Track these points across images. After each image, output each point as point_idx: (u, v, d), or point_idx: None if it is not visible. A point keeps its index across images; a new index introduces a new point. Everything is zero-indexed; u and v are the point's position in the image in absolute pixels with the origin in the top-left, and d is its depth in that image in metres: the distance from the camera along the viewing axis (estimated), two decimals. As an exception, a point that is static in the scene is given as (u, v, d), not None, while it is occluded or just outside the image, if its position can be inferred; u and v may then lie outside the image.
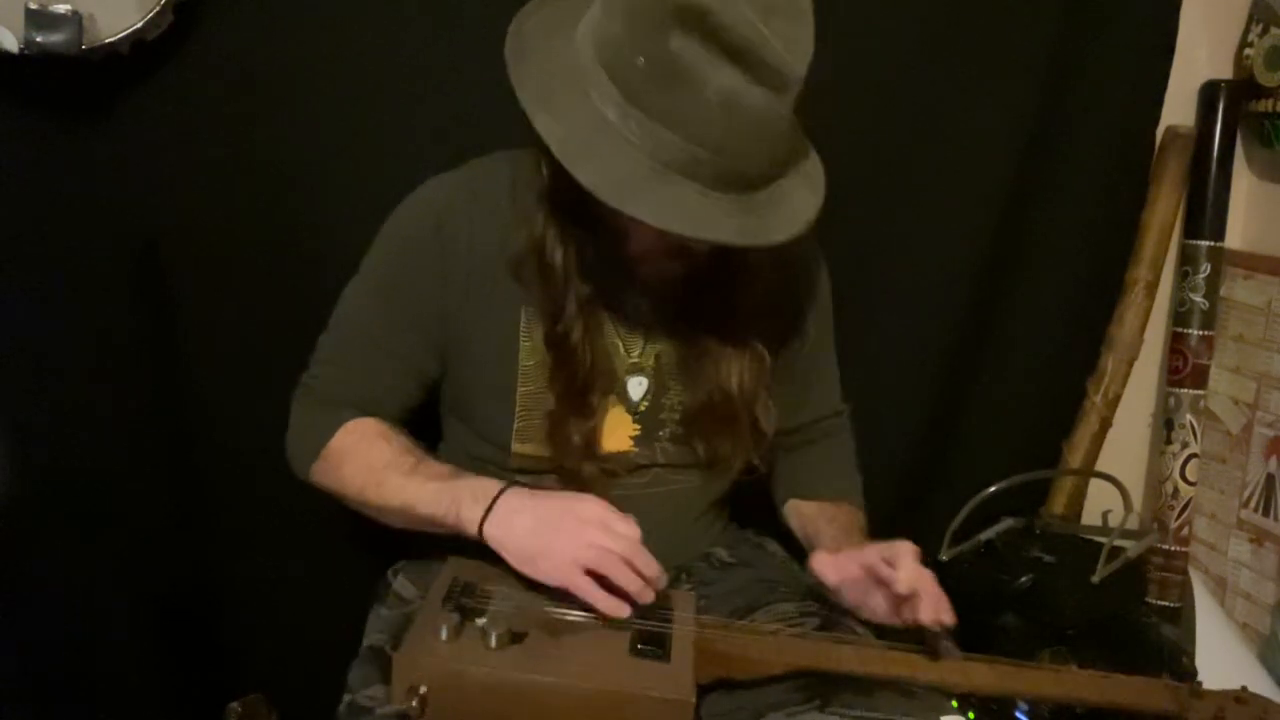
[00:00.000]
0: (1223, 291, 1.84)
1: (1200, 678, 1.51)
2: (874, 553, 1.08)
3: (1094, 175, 1.76)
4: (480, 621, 1.01)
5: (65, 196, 1.38)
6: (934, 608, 1.04)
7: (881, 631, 1.16)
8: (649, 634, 1.04)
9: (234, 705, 1.50)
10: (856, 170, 1.60)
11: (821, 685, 1.05)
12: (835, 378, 1.39)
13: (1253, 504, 1.82)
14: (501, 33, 1.04)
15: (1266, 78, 1.72)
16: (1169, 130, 1.80)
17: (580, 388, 1.14)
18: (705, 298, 1.15)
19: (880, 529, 1.75)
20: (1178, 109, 1.80)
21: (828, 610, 1.19)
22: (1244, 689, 1.09)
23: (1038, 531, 1.70)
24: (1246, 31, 1.78)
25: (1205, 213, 1.80)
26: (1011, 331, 1.79)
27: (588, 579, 1.01)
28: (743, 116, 0.95)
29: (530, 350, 1.17)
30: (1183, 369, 1.83)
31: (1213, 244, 1.81)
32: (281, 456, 1.23)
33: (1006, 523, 1.73)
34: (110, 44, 1.27)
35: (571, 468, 1.16)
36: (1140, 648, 1.55)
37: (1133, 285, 1.81)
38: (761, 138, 0.98)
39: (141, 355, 1.46)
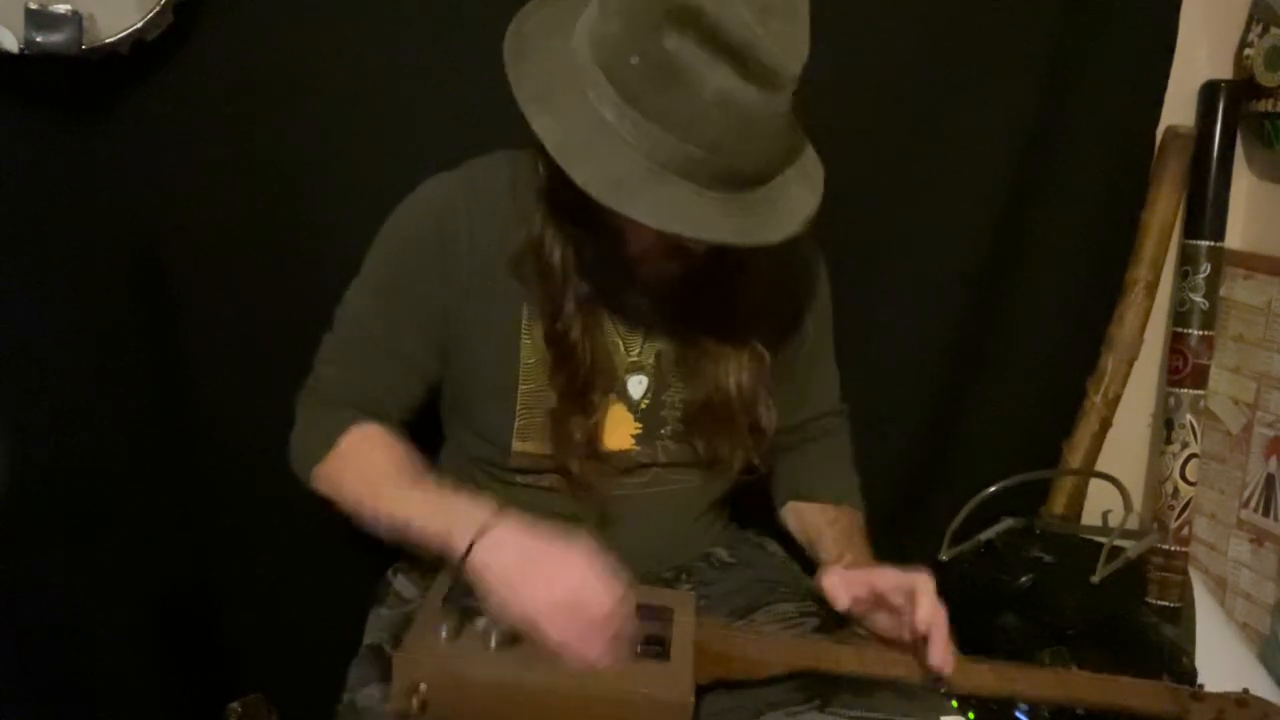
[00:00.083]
0: (1223, 291, 1.84)
1: (1200, 678, 1.51)
2: (890, 580, 1.08)
3: (1094, 175, 1.76)
4: (480, 622, 1.01)
5: (65, 196, 1.38)
6: (941, 654, 1.04)
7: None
8: (649, 634, 1.04)
9: (234, 705, 1.50)
10: (856, 170, 1.59)
11: (821, 685, 1.05)
12: (834, 376, 1.39)
13: (1253, 504, 1.82)
14: (501, 32, 1.04)
15: (1266, 78, 1.72)
16: (1169, 130, 1.80)
17: (581, 386, 1.14)
18: (704, 297, 1.15)
19: (880, 529, 1.75)
20: (1178, 109, 1.80)
21: (827, 611, 1.18)
22: (1245, 691, 1.09)
23: (1038, 531, 1.70)
24: (1246, 31, 1.78)
25: (1205, 213, 1.80)
26: (1011, 331, 1.79)
27: (544, 636, 0.96)
28: (738, 116, 0.94)
29: (531, 349, 1.17)
30: (1183, 369, 1.83)
31: (1213, 244, 1.81)
32: (281, 456, 1.23)
33: (1006, 523, 1.73)
34: (110, 44, 1.27)
35: (572, 466, 1.16)
36: (1140, 648, 1.55)
37: (1133, 285, 1.81)
38: (757, 137, 0.98)
39: (141, 355, 1.46)
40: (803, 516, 1.32)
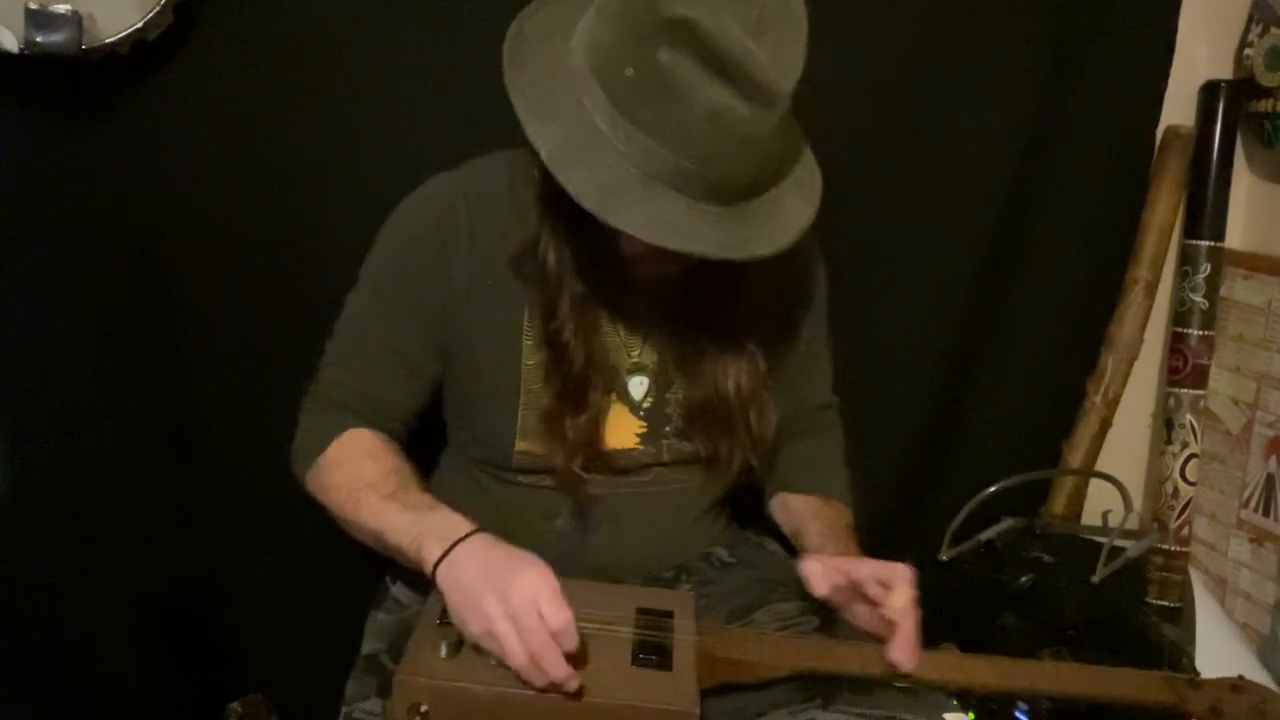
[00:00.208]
0: (1223, 291, 1.84)
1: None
2: (868, 570, 1.07)
3: (1094, 175, 1.76)
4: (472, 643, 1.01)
5: (65, 196, 1.38)
6: (904, 649, 1.03)
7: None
8: (650, 643, 1.03)
9: (234, 705, 1.50)
10: (856, 170, 1.60)
11: (823, 684, 1.05)
12: (828, 370, 1.39)
13: (1253, 504, 1.82)
14: (502, 32, 1.04)
15: (1266, 78, 1.72)
16: (1169, 130, 1.80)
17: (576, 386, 1.14)
18: (704, 300, 1.15)
19: (880, 529, 1.77)
20: (1178, 109, 1.80)
21: (827, 610, 1.18)
22: (1240, 678, 1.09)
23: (1038, 531, 1.70)
24: (1246, 31, 1.78)
25: (1205, 213, 1.80)
26: (1011, 331, 1.79)
27: (500, 651, 0.96)
28: (731, 131, 0.94)
29: (532, 349, 1.16)
30: (1183, 369, 1.83)
31: (1213, 244, 1.81)
32: (281, 457, 1.22)
33: (1006, 523, 1.73)
34: (110, 44, 1.27)
35: (566, 466, 1.16)
36: (1140, 648, 1.55)
37: (1133, 285, 1.81)
38: (750, 152, 0.98)
39: (141, 355, 1.46)
40: (790, 508, 1.32)
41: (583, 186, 0.96)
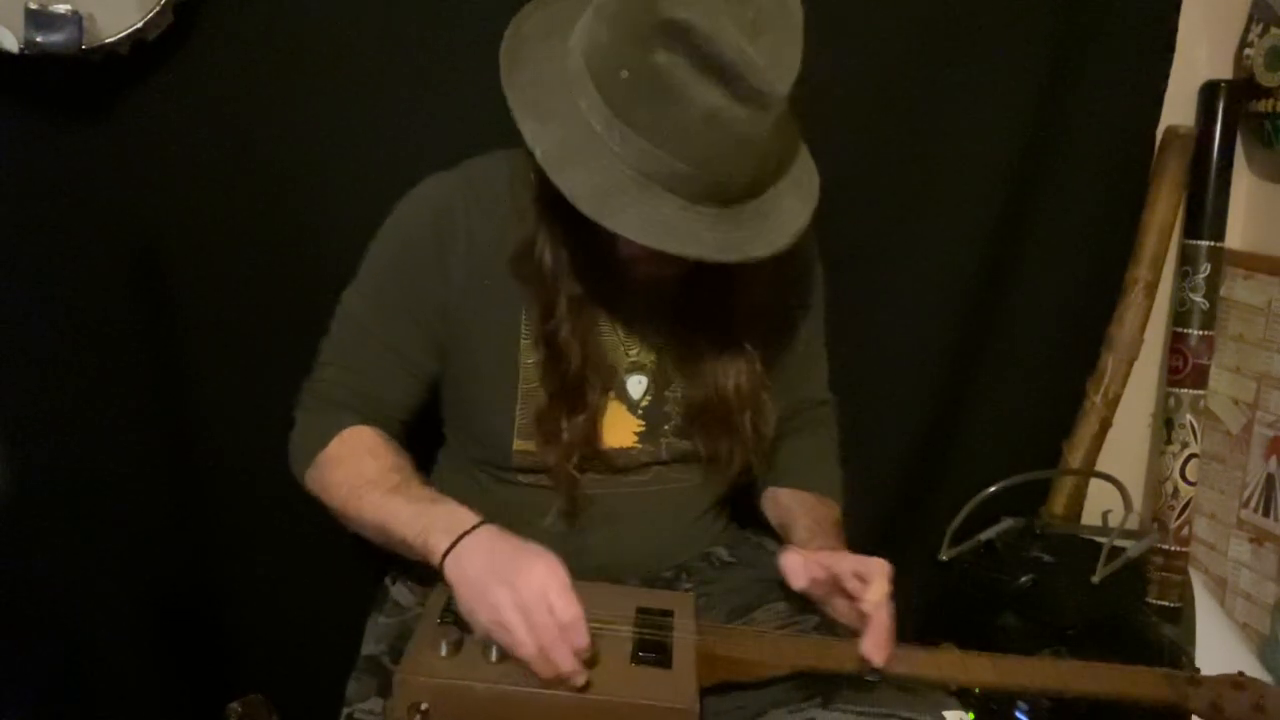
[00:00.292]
0: (1223, 291, 1.84)
1: (1201, 676, 1.52)
2: (846, 564, 1.07)
3: (1094, 175, 1.76)
4: (479, 634, 1.01)
5: (65, 196, 1.38)
6: (876, 643, 1.03)
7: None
8: (650, 641, 1.03)
9: (234, 705, 1.50)
10: (857, 171, 1.60)
11: (822, 682, 1.05)
12: (824, 367, 1.39)
13: (1253, 504, 1.82)
14: (501, 33, 1.04)
15: (1266, 78, 1.72)
16: (1169, 130, 1.80)
17: (571, 385, 1.14)
18: (702, 300, 1.15)
19: (880, 529, 1.77)
20: (1178, 109, 1.80)
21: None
22: (1241, 674, 1.09)
23: (1038, 531, 1.71)
24: (1246, 31, 1.78)
25: (1205, 213, 1.80)
26: (1011, 331, 1.79)
27: (507, 641, 0.96)
28: (726, 134, 0.94)
29: (530, 348, 1.16)
30: (1183, 369, 1.83)
31: (1213, 244, 1.81)
32: (281, 457, 1.22)
33: (1006, 523, 1.73)
34: (110, 44, 1.27)
35: (561, 466, 1.16)
36: (1140, 648, 1.55)
37: (1133, 285, 1.81)
38: (746, 154, 0.98)
39: (141, 355, 1.46)
40: (779, 502, 1.31)
41: (578, 188, 0.96)
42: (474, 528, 1.03)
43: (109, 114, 1.36)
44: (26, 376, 1.42)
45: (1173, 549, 1.83)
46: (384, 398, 1.20)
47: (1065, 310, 1.82)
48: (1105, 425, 1.84)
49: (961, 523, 1.69)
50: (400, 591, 1.26)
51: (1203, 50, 1.81)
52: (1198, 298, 1.81)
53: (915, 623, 1.72)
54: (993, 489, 1.71)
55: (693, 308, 1.16)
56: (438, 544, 1.03)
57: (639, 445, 1.21)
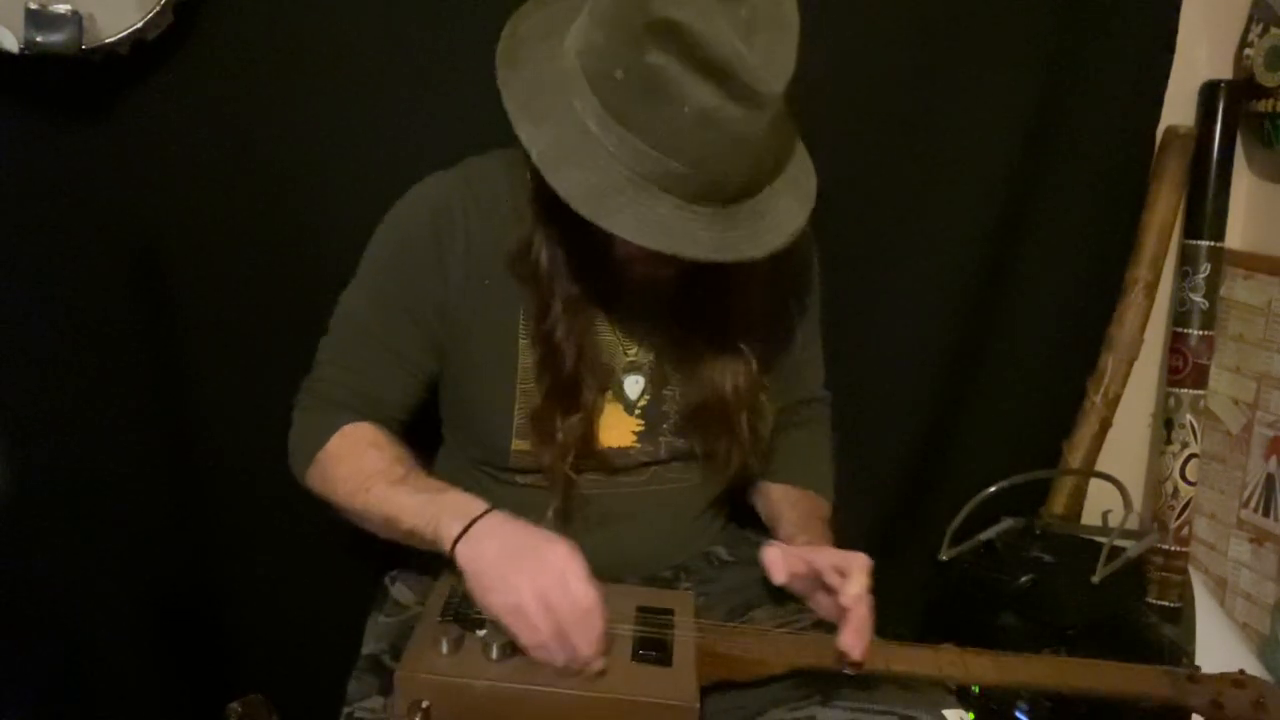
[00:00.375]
0: (1223, 291, 1.84)
1: (1201, 674, 1.52)
2: (827, 558, 1.08)
3: (1094, 175, 1.76)
4: (480, 633, 1.01)
5: (65, 196, 1.38)
6: (854, 636, 1.03)
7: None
8: (650, 639, 1.04)
9: (234, 705, 1.50)
10: (856, 170, 1.60)
11: (822, 680, 1.06)
12: (820, 365, 1.39)
13: (1253, 504, 1.82)
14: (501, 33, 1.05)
15: (1266, 78, 1.73)
16: (1169, 130, 1.80)
17: (566, 385, 1.14)
18: (699, 300, 1.15)
19: (880, 529, 1.77)
20: (1178, 109, 1.80)
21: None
22: (1242, 672, 1.09)
23: (1038, 531, 1.71)
24: (1246, 31, 1.78)
25: (1205, 213, 1.80)
26: (1011, 331, 1.79)
27: (524, 627, 0.97)
28: (721, 133, 0.94)
29: (528, 348, 1.16)
30: (1183, 369, 1.83)
31: (1213, 244, 1.81)
32: (281, 457, 1.23)
33: (1006, 523, 1.73)
34: (110, 44, 1.27)
35: (556, 466, 1.16)
36: (1140, 648, 1.55)
37: (1133, 285, 1.81)
38: (741, 154, 0.98)
39: (141, 356, 1.46)
40: (769, 497, 1.32)
41: (573, 188, 0.96)
42: (484, 513, 1.03)
43: (109, 114, 1.36)
44: (26, 376, 1.42)
45: (1173, 549, 1.83)
46: (383, 397, 1.20)
47: (1065, 310, 1.81)
48: (1105, 425, 1.84)
49: (961, 523, 1.69)
50: (400, 591, 1.26)
51: (1203, 50, 1.81)
52: (1198, 298, 1.81)
53: (915, 623, 1.73)
54: (993, 489, 1.71)
55: (690, 308, 1.16)
56: (448, 531, 1.03)
57: (637, 445, 1.21)
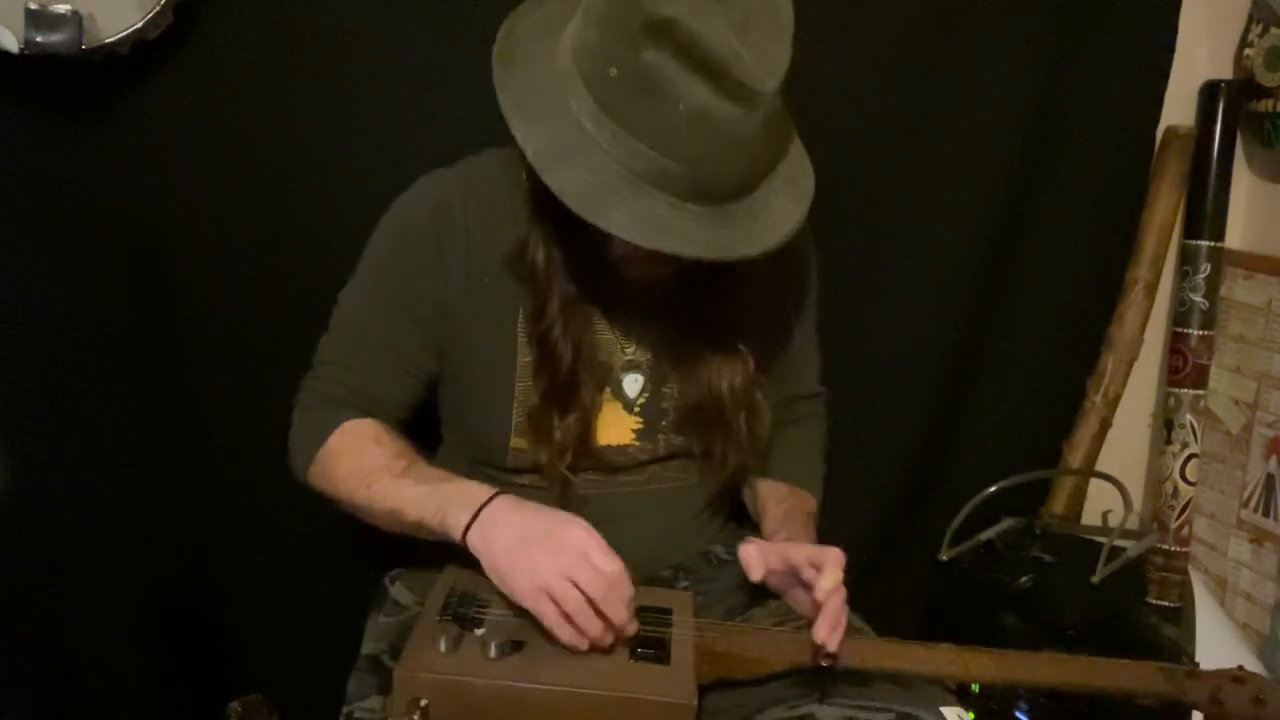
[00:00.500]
0: (1223, 291, 1.84)
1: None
2: (802, 553, 1.08)
3: (1094, 175, 1.76)
4: (479, 631, 1.01)
5: (65, 196, 1.38)
6: (827, 628, 1.03)
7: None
8: (649, 637, 1.04)
9: (234, 705, 1.50)
10: (856, 170, 1.60)
11: (819, 678, 1.06)
12: (816, 363, 1.39)
13: (1253, 504, 1.82)
14: (504, 32, 1.05)
15: (1266, 78, 1.72)
16: (1169, 130, 1.80)
17: (563, 384, 1.14)
18: (697, 299, 1.15)
19: (880, 529, 1.77)
20: (1178, 109, 1.80)
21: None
22: (1240, 668, 1.09)
23: (1038, 531, 1.71)
24: (1246, 31, 1.78)
25: (1205, 213, 1.80)
26: (1011, 331, 1.79)
27: (552, 607, 0.98)
28: (715, 131, 0.94)
29: (526, 346, 1.16)
30: (1183, 369, 1.83)
31: (1213, 244, 1.81)
32: (281, 457, 1.23)
33: (1006, 523, 1.73)
34: (110, 44, 1.27)
35: (553, 464, 1.16)
36: (1140, 648, 1.55)
37: (1133, 285, 1.81)
38: (735, 153, 0.98)
39: (141, 355, 1.46)
40: (756, 492, 1.32)
41: (568, 187, 0.96)
42: (491, 499, 1.04)
43: (109, 114, 1.37)
44: (26, 376, 1.42)
45: (1173, 549, 1.83)
46: (383, 396, 1.20)
47: (1065, 310, 1.82)
48: (1105, 425, 1.84)
49: (961, 523, 1.69)
50: (400, 590, 1.26)
51: (1203, 50, 1.81)
52: (1198, 298, 1.81)
53: (915, 623, 1.73)
54: (993, 489, 1.71)
55: (687, 307, 1.16)
56: (457, 520, 1.04)
57: (636, 443, 1.21)
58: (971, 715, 1.40)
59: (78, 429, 1.45)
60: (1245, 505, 1.84)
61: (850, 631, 1.06)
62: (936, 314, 1.74)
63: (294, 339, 1.28)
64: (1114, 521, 1.73)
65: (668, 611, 1.09)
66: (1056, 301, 1.80)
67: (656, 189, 0.97)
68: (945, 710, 1.04)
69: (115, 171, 1.38)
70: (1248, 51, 1.76)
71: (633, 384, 1.20)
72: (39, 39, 1.23)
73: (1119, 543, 1.61)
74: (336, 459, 1.16)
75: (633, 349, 1.20)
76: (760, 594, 1.21)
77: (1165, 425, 1.86)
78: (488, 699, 0.96)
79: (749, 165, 1.01)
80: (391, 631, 1.19)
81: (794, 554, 1.09)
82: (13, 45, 1.23)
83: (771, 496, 1.29)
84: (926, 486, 1.80)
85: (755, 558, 1.10)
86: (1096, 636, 1.53)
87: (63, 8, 1.23)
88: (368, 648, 1.20)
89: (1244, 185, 1.86)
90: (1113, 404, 1.83)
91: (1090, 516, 1.87)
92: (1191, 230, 1.82)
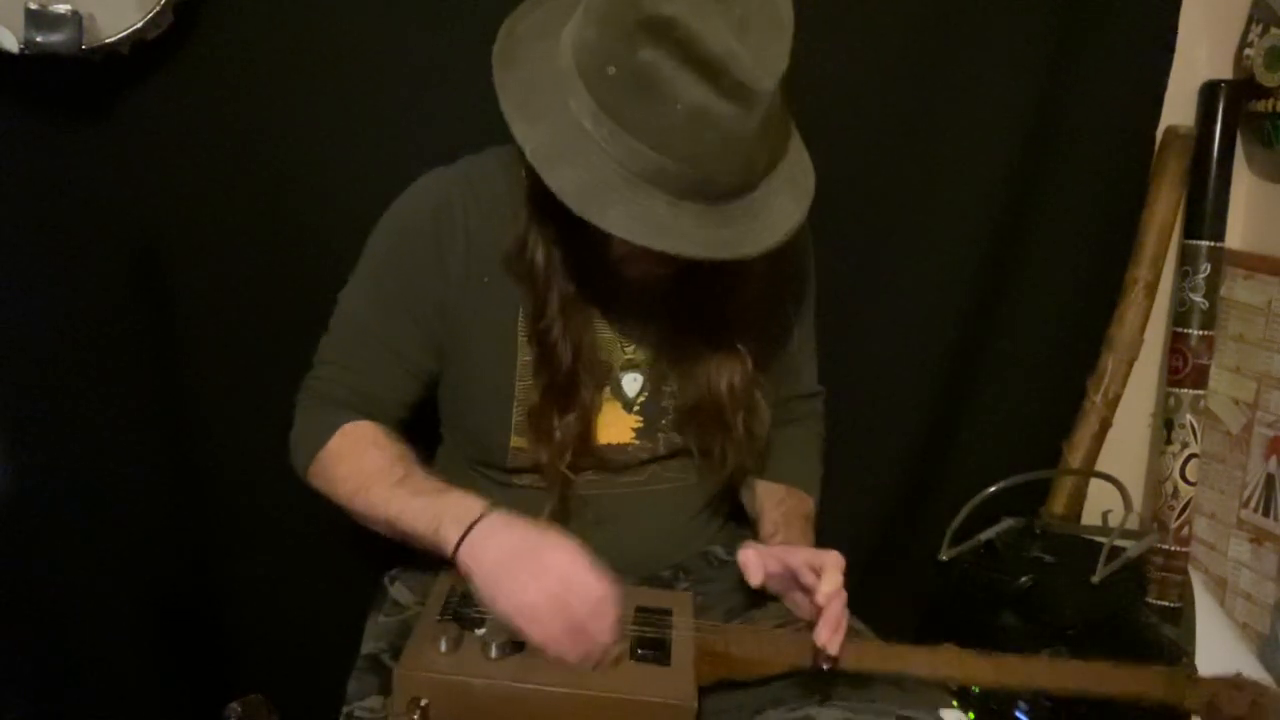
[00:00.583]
0: (1223, 291, 1.84)
1: (1200, 677, 1.51)
2: (801, 557, 1.08)
3: (1094, 175, 1.76)
4: (479, 632, 1.01)
5: (65, 196, 1.38)
6: (829, 631, 1.03)
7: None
8: (649, 639, 1.04)
9: (234, 705, 1.50)
10: (856, 170, 1.60)
11: (820, 681, 1.06)
12: (813, 360, 1.39)
13: (1253, 504, 1.82)
14: (504, 32, 1.05)
15: (1266, 78, 1.72)
16: (1169, 130, 1.80)
17: (563, 384, 1.14)
18: (697, 298, 1.15)
19: (880, 529, 1.77)
20: (1178, 109, 1.80)
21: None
22: (1239, 674, 1.09)
23: (1038, 531, 1.71)
24: (1246, 31, 1.78)
25: (1205, 213, 1.80)
26: (1011, 331, 1.79)
27: (537, 627, 0.97)
28: (712, 130, 0.94)
29: (526, 346, 1.16)
30: (1183, 369, 1.83)
31: (1213, 244, 1.81)
32: (281, 457, 1.23)
33: (1006, 523, 1.73)
34: (110, 44, 1.27)
35: (553, 464, 1.16)
36: (1140, 648, 1.55)
37: (1133, 285, 1.81)
38: (733, 152, 0.98)
39: (141, 355, 1.46)
40: (754, 493, 1.32)
41: (566, 185, 0.96)
42: (482, 516, 1.03)
43: (109, 114, 1.37)
44: (26, 376, 1.42)
45: (1173, 549, 1.83)
46: (383, 395, 1.20)
47: (1065, 310, 1.81)
48: (1105, 425, 1.84)
49: (961, 523, 1.69)
50: (399, 590, 1.26)
51: (1203, 50, 1.81)
52: (1198, 298, 1.81)
53: (915, 623, 1.73)
54: (993, 489, 1.71)
55: (687, 307, 1.16)
56: (449, 536, 1.03)
57: (636, 441, 1.21)
58: (971, 715, 1.40)
59: (78, 429, 1.45)
60: (1245, 505, 1.84)
61: (850, 634, 1.06)
62: (936, 314, 1.74)
63: (294, 339, 1.28)
64: (1114, 521, 1.73)
65: (668, 612, 1.09)
66: (1056, 301, 1.80)
67: (655, 188, 0.97)
68: (945, 713, 1.04)
69: (115, 171, 1.38)
70: (1248, 51, 1.76)
71: (632, 383, 1.20)
72: (39, 39, 1.23)
73: (1119, 543, 1.61)
74: (336, 461, 1.16)
75: (632, 348, 1.20)
76: (760, 596, 1.21)
77: (1165, 425, 1.86)
78: (488, 699, 0.96)
79: (747, 164, 1.01)
80: (391, 631, 1.19)
81: (792, 558, 1.09)
82: (13, 45, 1.23)
83: (769, 498, 1.29)
84: (926, 486, 1.80)
85: (754, 562, 1.10)
86: (1096, 636, 1.53)
87: (63, 8, 1.23)
88: (367, 647, 1.20)
89: (1244, 185, 1.86)
90: (1113, 404, 1.83)
91: (1090, 516, 1.87)
92: (1191, 230, 1.82)
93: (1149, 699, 1.09)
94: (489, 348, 1.18)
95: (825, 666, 1.04)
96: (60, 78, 1.31)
